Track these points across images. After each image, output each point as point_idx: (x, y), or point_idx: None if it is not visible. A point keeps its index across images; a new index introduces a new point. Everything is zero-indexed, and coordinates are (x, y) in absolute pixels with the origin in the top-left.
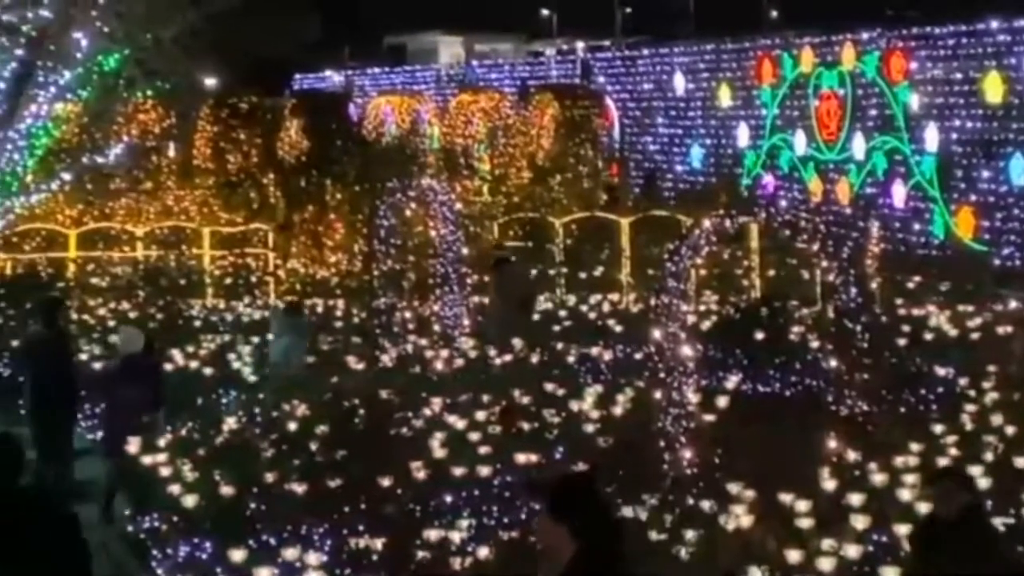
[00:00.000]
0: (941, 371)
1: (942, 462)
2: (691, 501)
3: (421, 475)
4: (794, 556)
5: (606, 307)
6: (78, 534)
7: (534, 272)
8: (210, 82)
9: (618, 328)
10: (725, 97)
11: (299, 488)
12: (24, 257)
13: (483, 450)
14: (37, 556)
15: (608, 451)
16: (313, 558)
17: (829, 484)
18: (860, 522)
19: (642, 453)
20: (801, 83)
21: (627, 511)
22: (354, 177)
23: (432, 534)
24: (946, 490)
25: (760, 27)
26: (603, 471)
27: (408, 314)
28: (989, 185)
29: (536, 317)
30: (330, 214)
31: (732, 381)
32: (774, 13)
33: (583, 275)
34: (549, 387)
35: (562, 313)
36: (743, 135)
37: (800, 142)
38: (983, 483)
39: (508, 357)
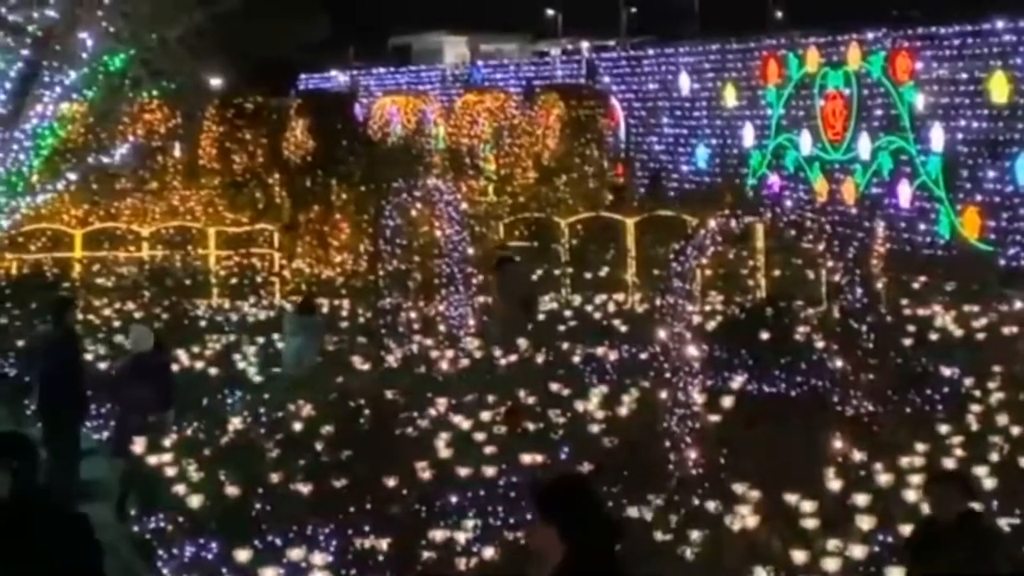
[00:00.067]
0: (947, 371)
1: (948, 462)
2: (696, 501)
3: (426, 475)
4: (799, 556)
5: (611, 307)
6: (91, 534)
7: (538, 272)
8: (216, 82)
9: (623, 328)
10: (730, 97)
11: (304, 488)
12: (30, 257)
13: (488, 450)
14: (51, 556)
15: (613, 451)
16: (318, 558)
17: (834, 484)
18: (866, 522)
19: (647, 453)
20: (806, 83)
21: (632, 511)
22: (360, 177)
23: (437, 534)
24: (946, 494)
25: (765, 27)
26: (608, 471)
27: (413, 314)
28: (995, 185)
29: (541, 317)
30: (336, 214)
31: (737, 381)
32: (779, 13)
33: (588, 275)
34: (554, 387)
35: (567, 313)
36: (748, 135)
37: (806, 142)
38: (989, 483)
39: (513, 357)
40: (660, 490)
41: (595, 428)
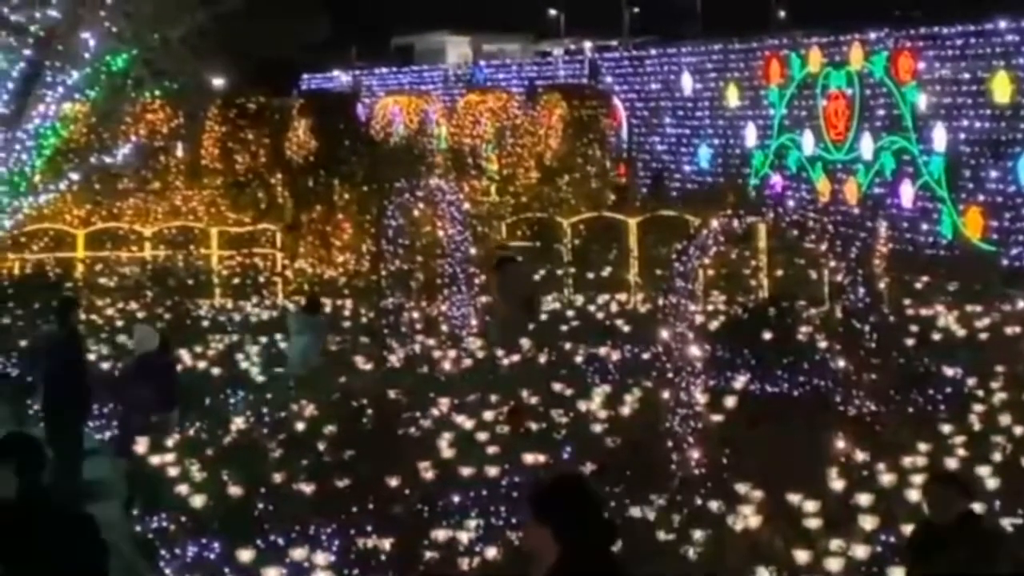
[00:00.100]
0: (949, 371)
1: (950, 462)
2: (699, 501)
3: (429, 475)
4: (802, 556)
5: (614, 307)
6: (96, 534)
7: (541, 272)
8: (218, 82)
9: (626, 328)
10: (733, 97)
11: (307, 488)
12: (32, 257)
13: (491, 450)
14: (57, 556)
15: (616, 451)
16: (321, 558)
17: (837, 484)
18: (868, 522)
19: (650, 453)
20: (809, 83)
21: (635, 511)
22: (362, 177)
23: (440, 534)
24: (946, 495)
25: (768, 27)
26: (611, 471)
27: (416, 314)
28: (997, 185)
29: (544, 317)
30: (338, 214)
31: (740, 381)
32: (782, 13)
33: (591, 275)
34: (557, 387)
35: (570, 313)
36: (751, 135)
37: (808, 142)
38: (991, 483)
39: (516, 357)
40: (663, 490)
41: (598, 428)
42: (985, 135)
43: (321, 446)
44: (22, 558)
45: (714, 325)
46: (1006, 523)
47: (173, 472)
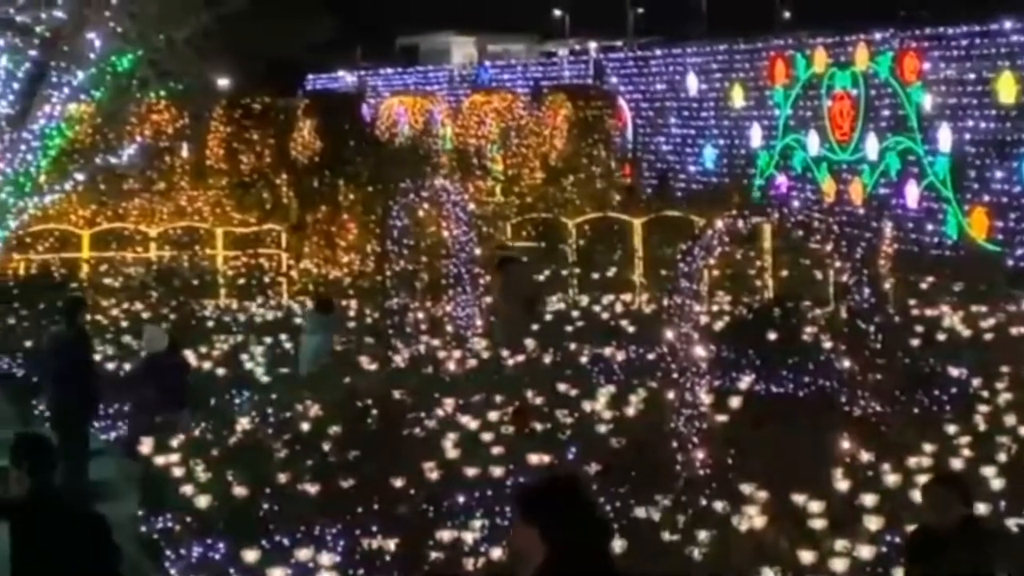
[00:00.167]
0: (954, 372)
1: (956, 463)
2: (704, 502)
3: (434, 475)
4: (807, 557)
5: (619, 308)
6: (109, 534)
7: (546, 272)
8: (223, 83)
9: (631, 329)
10: (738, 97)
11: (312, 488)
12: (37, 257)
13: (496, 451)
14: (69, 555)
15: (621, 452)
16: (326, 558)
17: (842, 485)
18: (873, 523)
19: (655, 454)
20: (814, 83)
21: (640, 511)
22: (367, 177)
23: (445, 535)
24: (946, 499)
25: (773, 27)
26: (616, 472)
27: (421, 314)
28: (1002, 185)
29: (548, 317)
30: (343, 214)
31: (745, 382)
32: (787, 13)
33: (596, 275)
34: (562, 388)
35: (575, 314)
36: (756, 135)
37: (813, 142)
38: (997, 484)
39: (521, 358)
40: (667, 490)
41: (602, 428)
42: (990, 135)
43: (326, 446)
44: (34, 558)
45: (719, 325)
46: (1011, 523)
47: (178, 472)
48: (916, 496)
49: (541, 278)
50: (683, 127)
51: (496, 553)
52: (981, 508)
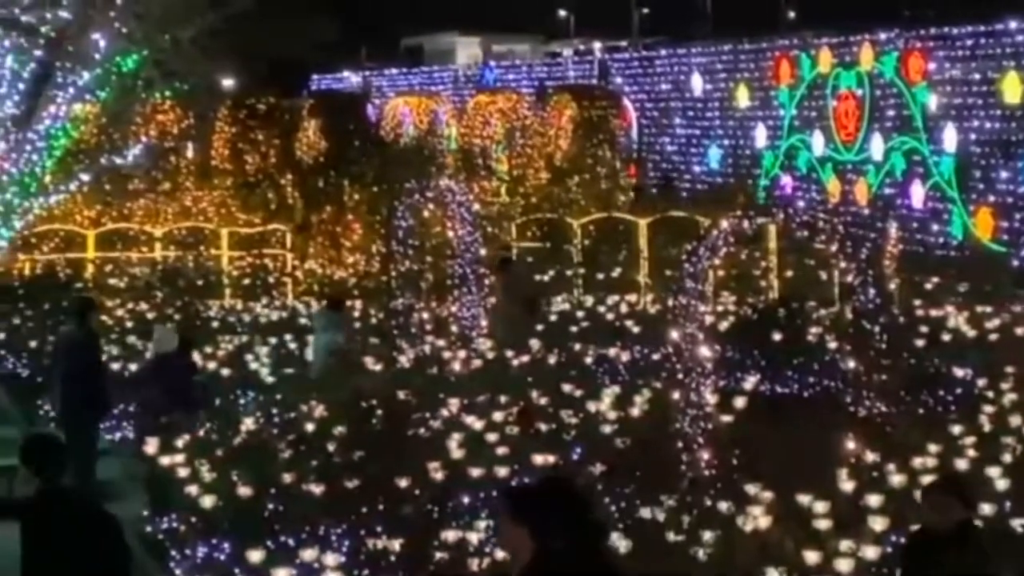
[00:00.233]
0: (959, 372)
1: (961, 464)
2: (709, 502)
3: (439, 476)
4: (812, 557)
5: (624, 308)
6: (120, 533)
7: (551, 273)
8: (228, 83)
9: (636, 329)
10: (743, 98)
11: (317, 489)
12: (43, 258)
13: (501, 451)
14: (79, 554)
15: (626, 452)
16: (331, 559)
17: (847, 485)
18: (878, 523)
19: (660, 454)
20: (819, 83)
21: (645, 511)
22: (372, 178)
23: (450, 535)
24: (946, 502)
25: (778, 27)
26: (621, 472)
27: (426, 315)
28: (1008, 186)
29: (553, 318)
30: (348, 215)
31: (750, 382)
32: (792, 13)
33: (601, 276)
34: (567, 388)
35: (580, 314)
36: (761, 136)
37: (818, 143)
38: (1001, 484)
39: (525, 358)
40: (672, 490)
41: (607, 429)
42: (995, 135)
43: (331, 447)
44: (45, 558)
45: (724, 326)
46: (1016, 524)
47: (183, 473)
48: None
49: (546, 278)
50: (688, 127)
51: (501, 554)
52: (986, 509)
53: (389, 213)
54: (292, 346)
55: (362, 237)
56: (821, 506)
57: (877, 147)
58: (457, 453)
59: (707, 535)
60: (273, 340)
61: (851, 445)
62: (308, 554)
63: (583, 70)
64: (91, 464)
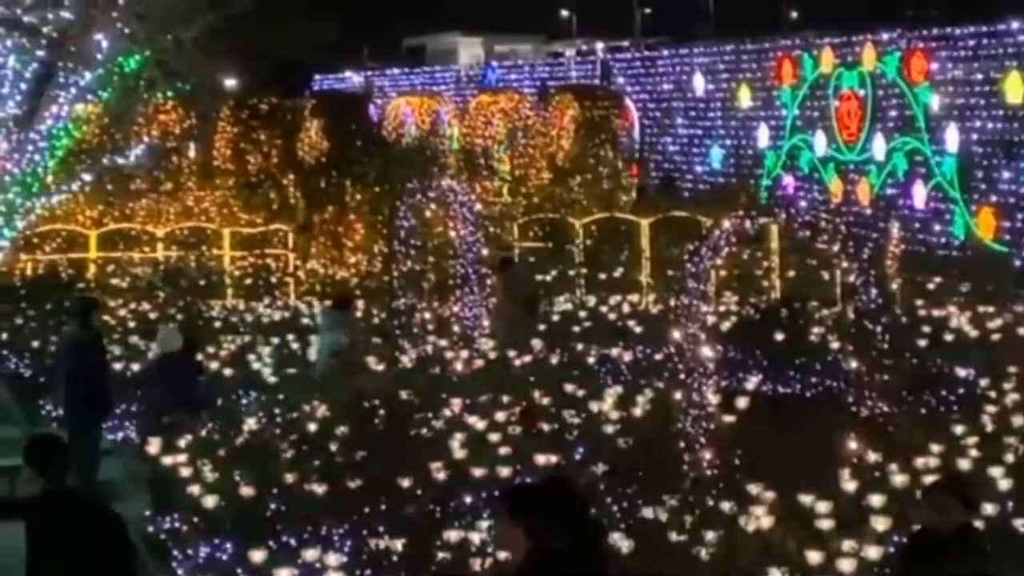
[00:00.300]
0: (962, 372)
1: (963, 464)
2: (711, 502)
3: (441, 476)
4: (814, 557)
5: (626, 308)
6: (124, 532)
7: (553, 273)
8: (230, 83)
9: (638, 329)
10: (745, 98)
11: (319, 489)
12: (45, 258)
13: (503, 451)
14: (83, 553)
15: (628, 452)
16: (333, 559)
17: (849, 485)
18: (881, 523)
19: (662, 454)
20: (821, 84)
21: (647, 512)
22: (374, 178)
23: (452, 535)
24: (947, 504)
25: (780, 28)
26: (623, 472)
27: (428, 315)
28: (1010, 186)
29: (556, 318)
30: (350, 215)
31: (752, 382)
32: (794, 14)
33: (603, 276)
34: (569, 388)
35: (582, 314)
36: (763, 136)
37: (820, 143)
38: (1004, 484)
39: (528, 358)
40: (675, 490)
41: (610, 429)
42: (998, 136)
43: (333, 447)
44: (50, 557)
45: (726, 326)
46: (1019, 524)
47: (185, 472)
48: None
49: (548, 278)
50: (690, 127)
51: (503, 554)
52: (988, 509)
53: (391, 213)
54: (294, 346)
55: (364, 237)
56: (823, 506)
57: (879, 147)
58: (459, 453)
59: (709, 535)
60: (275, 340)
61: (853, 445)
62: (310, 554)
63: (585, 70)
64: (94, 464)
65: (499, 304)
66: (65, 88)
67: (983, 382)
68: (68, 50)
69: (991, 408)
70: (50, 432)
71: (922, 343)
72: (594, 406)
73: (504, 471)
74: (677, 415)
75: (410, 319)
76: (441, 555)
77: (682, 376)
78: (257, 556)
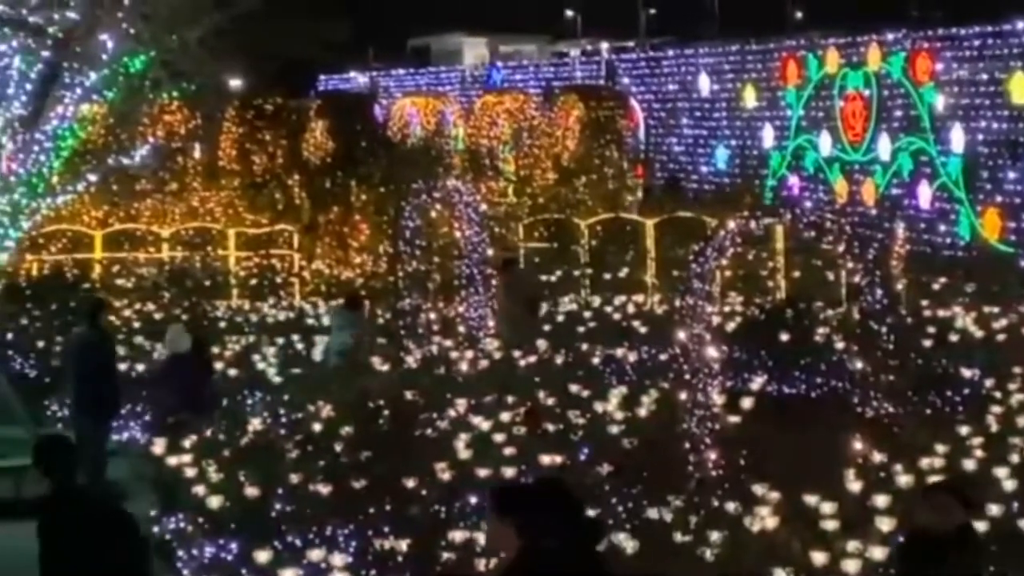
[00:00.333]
0: (967, 372)
1: (968, 464)
2: (716, 502)
3: (446, 476)
4: (819, 558)
5: (631, 308)
6: (136, 531)
7: (558, 273)
8: (235, 83)
9: (643, 329)
10: (750, 98)
11: (324, 489)
12: (50, 258)
13: (508, 451)
14: (95, 552)
15: (633, 452)
16: (338, 559)
17: (855, 486)
18: (886, 524)
19: (667, 454)
20: (826, 84)
21: (652, 512)
22: (379, 178)
23: (457, 535)
24: (947, 505)
25: (785, 28)
26: (628, 472)
27: (433, 315)
28: (1015, 186)
29: (560, 318)
30: (355, 215)
31: (757, 382)
32: (799, 14)
33: (608, 276)
34: (574, 388)
35: (587, 314)
36: (768, 136)
37: (825, 143)
38: (1009, 485)
39: (532, 358)
40: (680, 491)
41: (615, 429)
42: (1003, 136)
43: (338, 447)
44: (61, 556)
45: (731, 326)
46: (1023, 525)
47: (190, 473)
48: None
49: (553, 279)
50: (695, 128)
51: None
52: (994, 509)
53: (396, 213)
54: (299, 346)
55: (369, 237)
56: (828, 507)
57: (884, 147)
58: (464, 453)
59: (714, 535)
60: (280, 340)
61: (858, 445)
62: (315, 554)
63: (590, 70)
64: (102, 464)
65: (500, 304)
66: (70, 88)
67: (988, 382)
68: (73, 50)
69: (996, 408)
70: (58, 433)
71: (927, 343)
72: (599, 406)
73: (509, 471)
74: (682, 415)
75: (415, 319)
76: (446, 555)
77: (687, 376)
78: (262, 556)
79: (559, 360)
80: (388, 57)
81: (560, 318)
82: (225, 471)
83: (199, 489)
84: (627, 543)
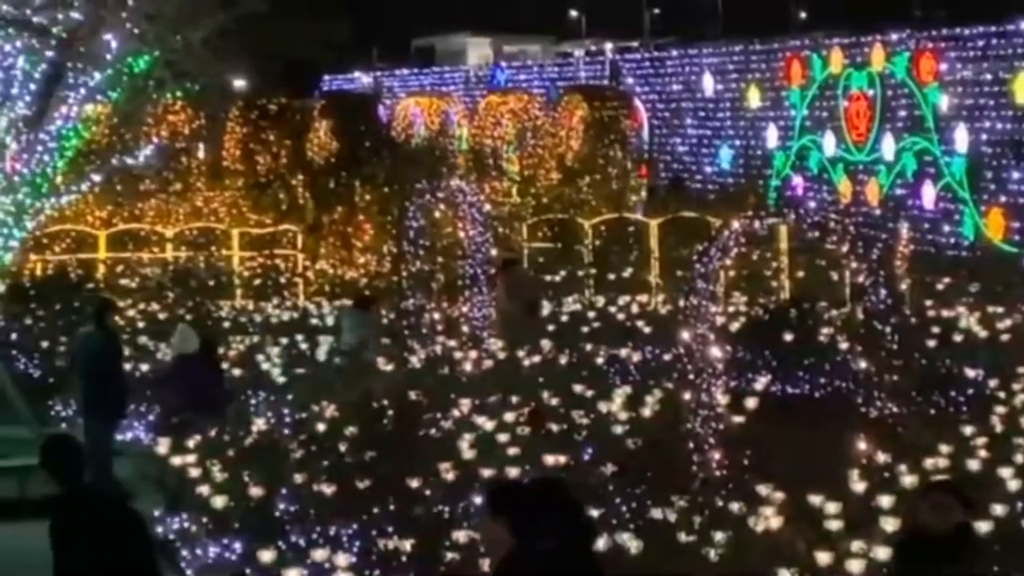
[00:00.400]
0: (971, 372)
1: (972, 464)
2: (720, 502)
3: (450, 476)
4: (823, 558)
5: (635, 308)
6: (145, 530)
7: (562, 273)
8: (239, 83)
9: (647, 329)
10: (754, 98)
11: (328, 489)
12: (54, 258)
13: (512, 451)
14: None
15: (637, 452)
16: (342, 559)
17: (859, 486)
18: (890, 524)
19: (671, 454)
20: (830, 84)
21: (656, 512)
22: (383, 178)
23: (461, 535)
24: (947, 504)
25: (789, 28)
26: (632, 472)
27: (437, 315)
28: (1019, 186)
29: (564, 318)
30: (359, 215)
31: (761, 382)
32: (803, 14)
33: (612, 276)
34: (578, 388)
35: (591, 314)
36: (772, 136)
37: (829, 143)
38: (1013, 485)
39: (536, 358)
40: (684, 491)
41: (619, 429)
42: (1007, 136)
43: (342, 447)
44: (73, 556)
45: (735, 326)
46: None
47: (195, 472)
48: None
49: (557, 279)
50: (699, 128)
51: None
52: (998, 509)
53: (400, 214)
54: (303, 346)
55: (373, 238)
56: (832, 507)
57: (888, 148)
58: (468, 453)
59: (718, 535)
60: (284, 340)
61: (862, 446)
62: (319, 554)
63: (594, 70)
64: (108, 464)
65: (500, 304)
66: (74, 89)
67: (992, 383)
68: (77, 51)
69: (1000, 409)
70: (64, 433)
71: (931, 344)
72: (603, 406)
73: (513, 471)
74: (686, 415)
75: (419, 319)
76: (450, 555)
77: (691, 376)
78: (266, 556)
79: (563, 360)
80: (392, 57)
81: (564, 318)
82: (229, 471)
83: (203, 489)
84: (631, 543)
